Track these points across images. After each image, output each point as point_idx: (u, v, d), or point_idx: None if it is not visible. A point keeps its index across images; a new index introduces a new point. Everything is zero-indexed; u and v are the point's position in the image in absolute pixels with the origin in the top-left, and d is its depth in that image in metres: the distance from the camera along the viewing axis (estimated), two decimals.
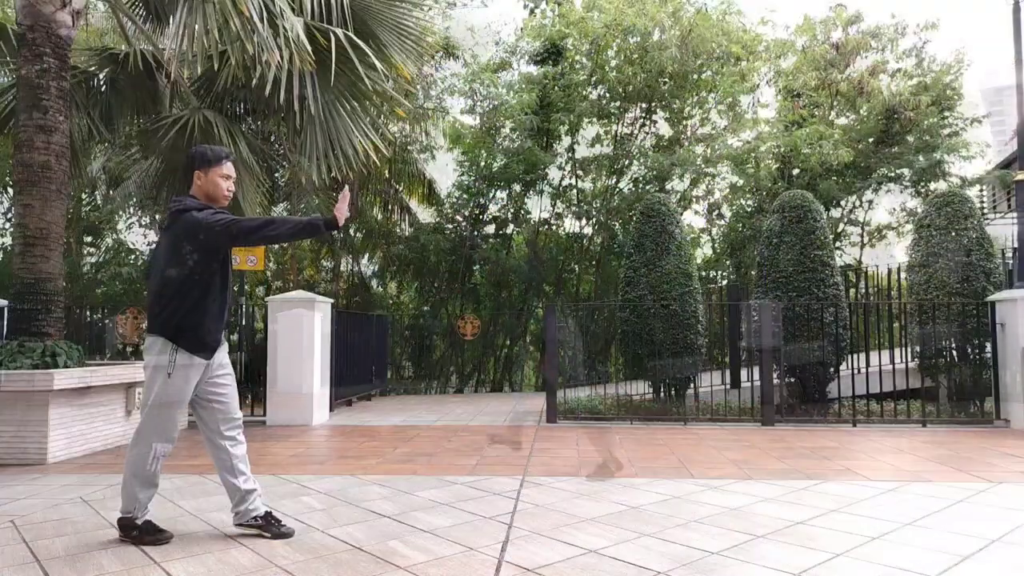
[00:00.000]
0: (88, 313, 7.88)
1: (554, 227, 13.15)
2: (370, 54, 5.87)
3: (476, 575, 2.42)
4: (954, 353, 6.80)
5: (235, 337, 8.73)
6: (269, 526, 2.89)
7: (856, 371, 7.63)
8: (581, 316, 8.83)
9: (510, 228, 12.90)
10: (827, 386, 7.02)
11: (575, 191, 12.81)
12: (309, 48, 5.28)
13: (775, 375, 6.87)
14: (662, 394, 7.22)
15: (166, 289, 2.81)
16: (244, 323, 7.79)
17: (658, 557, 2.60)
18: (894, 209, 13.35)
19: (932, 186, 11.86)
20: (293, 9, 5.49)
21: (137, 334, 7.66)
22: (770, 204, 9.37)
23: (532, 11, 13.12)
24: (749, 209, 12.04)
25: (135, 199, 10.36)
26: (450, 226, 12.53)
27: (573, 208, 12.80)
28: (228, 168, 2.98)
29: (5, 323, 6.21)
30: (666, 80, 11.49)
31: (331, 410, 7.30)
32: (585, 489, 3.76)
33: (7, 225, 11.14)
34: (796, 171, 11.78)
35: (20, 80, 5.19)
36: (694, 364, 7.11)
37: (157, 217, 10.89)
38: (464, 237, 12.22)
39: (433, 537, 2.87)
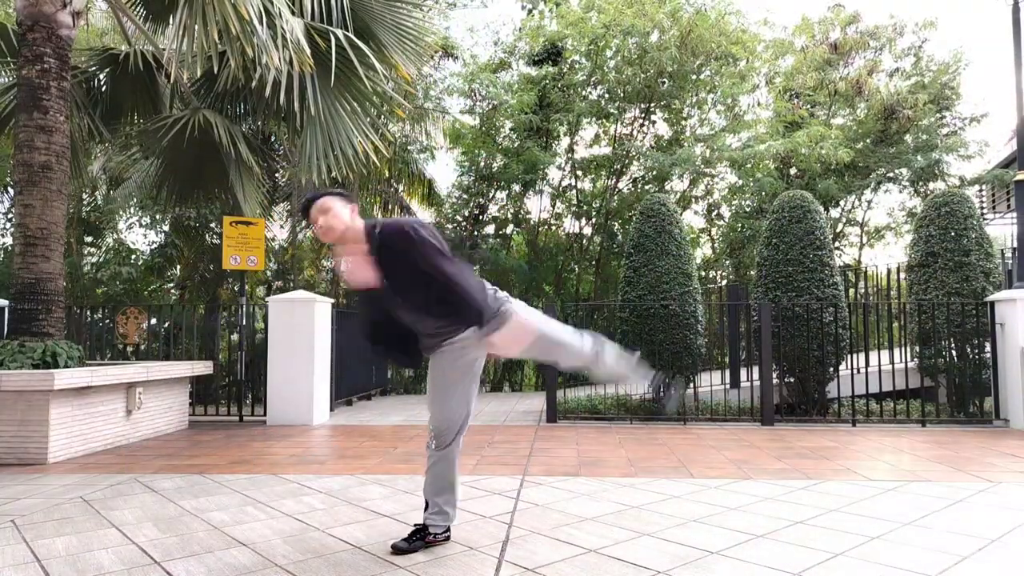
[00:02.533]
0: (88, 313, 7.87)
1: (554, 227, 13.16)
2: (370, 55, 5.89)
3: (476, 575, 2.43)
4: (953, 353, 6.80)
5: (235, 337, 8.72)
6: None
7: (856, 371, 7.64)
8: (581, 316, 8.82)
9: (510, 228, 12.91)
10: (826, 386, 7.03)
11: (575, 191, 12.83)
12: (308, 51, 5.28)
13: (774, 375, 6.88)
14: (662, 394, 7.21)
15: None
16: (244, 323, 7.79)
17: (658, 556, 2.61)
18: (893, 209, 13.39)
19: (931, 186, 11.87)
20: (292, 11, 5.50)
21: (138, 334, 7.65)
22: (769, 204, 9.37)
23: (530, 11, 13.13)
24: (748, 209, 12.06)
25: (135, 199, 10.38)
26: (450, 226, 12.54)
27: (573, 208, 12.81)
28: (312, 215, 2.63)
29: (5, 323, 6.22)
30: (665, 80, 11.50)
31: (331, 409, 7.30)
32: (585, 488, 3.77)
33: (7, 225, 11.14)
34: (794, 171, 11.80)
35: (20, 80, 5.20)
36: (694, 364, 7.12)
37: (157, 217, 10.92)
38: (464, 237, 12.22)
39: None
